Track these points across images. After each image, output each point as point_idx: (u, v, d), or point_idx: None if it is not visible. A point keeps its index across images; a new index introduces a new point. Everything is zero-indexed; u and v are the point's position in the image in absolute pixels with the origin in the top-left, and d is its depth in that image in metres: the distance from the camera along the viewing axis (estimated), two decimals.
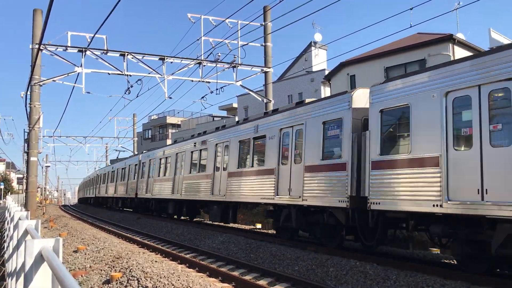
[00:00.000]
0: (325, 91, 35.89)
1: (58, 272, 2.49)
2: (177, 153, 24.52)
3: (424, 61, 23.85)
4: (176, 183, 24.02)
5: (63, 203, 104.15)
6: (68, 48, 20.71)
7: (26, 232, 4.56)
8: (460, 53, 23.55)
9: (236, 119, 42.17)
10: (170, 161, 25.53)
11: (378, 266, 10.23)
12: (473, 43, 25.84)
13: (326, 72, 35.11)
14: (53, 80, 21.78)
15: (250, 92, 24.90)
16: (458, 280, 8.86)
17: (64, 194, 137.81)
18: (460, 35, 26.56)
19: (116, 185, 39.74)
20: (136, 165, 33.25)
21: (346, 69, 30.24)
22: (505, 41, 23.86)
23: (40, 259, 3.08)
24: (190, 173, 22.32)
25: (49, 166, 73.71)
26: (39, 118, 23.72)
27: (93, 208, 51.23)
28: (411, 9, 13.94)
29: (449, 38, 24.63)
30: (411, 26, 14.43)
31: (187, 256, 13.26)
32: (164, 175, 26.33)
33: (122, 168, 38.07)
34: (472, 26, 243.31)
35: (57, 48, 20.75)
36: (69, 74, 21.32)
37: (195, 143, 21.98)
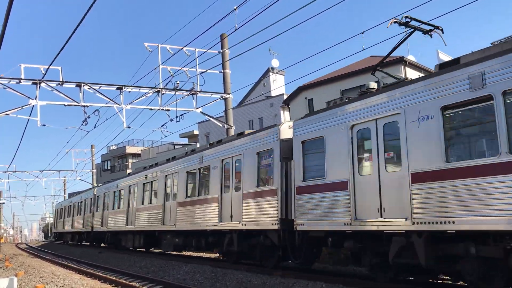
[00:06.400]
0: (285, 116, 36.35)
1: None
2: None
3: (378, 83, 24.62)
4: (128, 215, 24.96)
5: (19, 241, 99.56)
6: (21, 80, 20.16)
7: None
8: (412, 74, 24.45)
9: (198, 146, 42.00)
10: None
11: (345, 287, 10.27)
12: (423, 64, 26.94)
13: (285, 97, 35.65)
14: (6, 114, 21.08)
15: (211, 119, 24.90)
16: None
17: (21, 231, 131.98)
18: (411, 57, 27.65)
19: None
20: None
21: (304, 93, 30.82)
22: None
23: None
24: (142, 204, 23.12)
25: (3, 203, 70.69)
26: None
27: (54, 245, 49.39)
28: (362, 33, 14.42)
29: (401, 61, 25.59)
30: (363, 49, 14.87)
31: None
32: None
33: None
34: (421, 48, 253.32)
35: (10, 80, 20.15)
36: (23, 107, 20.69)
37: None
